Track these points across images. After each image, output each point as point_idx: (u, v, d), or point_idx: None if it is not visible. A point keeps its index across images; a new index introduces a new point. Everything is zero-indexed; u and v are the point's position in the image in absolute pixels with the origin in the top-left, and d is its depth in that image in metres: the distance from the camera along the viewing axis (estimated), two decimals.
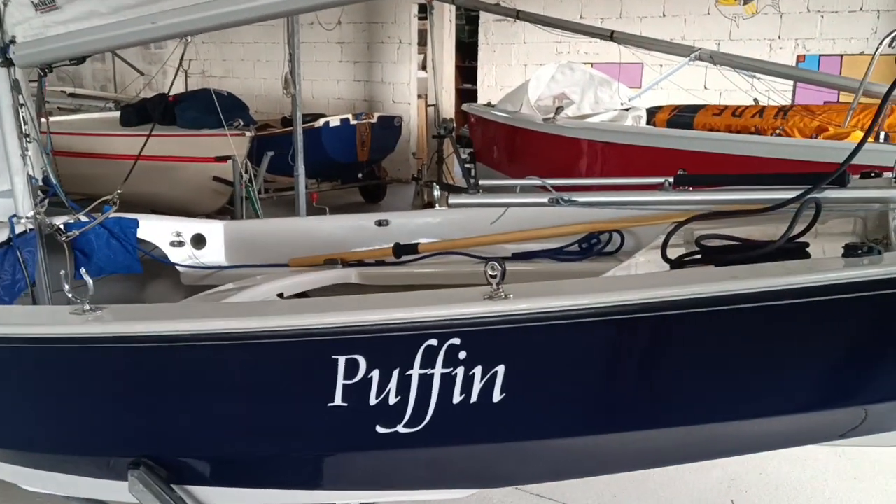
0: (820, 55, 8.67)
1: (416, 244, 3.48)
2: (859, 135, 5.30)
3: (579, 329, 1.61)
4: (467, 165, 9.27)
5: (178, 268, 3.81)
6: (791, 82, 6.66)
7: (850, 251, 1.56)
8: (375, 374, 1.75)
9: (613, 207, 2.40)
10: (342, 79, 13.26)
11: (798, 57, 8.85)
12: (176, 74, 4.57)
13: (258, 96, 13.78)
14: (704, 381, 1.62)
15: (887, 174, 2.81)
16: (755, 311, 1.52)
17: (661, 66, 7.84)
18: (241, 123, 7.10)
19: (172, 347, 1.85)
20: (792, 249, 1.97)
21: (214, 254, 3.92)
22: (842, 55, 8.52)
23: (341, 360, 1.76)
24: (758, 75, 6.13)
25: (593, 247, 3.29)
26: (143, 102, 7.86)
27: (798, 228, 2.02)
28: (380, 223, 3.74)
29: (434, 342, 1.70)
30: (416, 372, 1.73)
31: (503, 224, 3.29)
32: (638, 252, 2.41)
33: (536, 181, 2.48)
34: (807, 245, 2.02)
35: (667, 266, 2.05)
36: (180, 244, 3.83)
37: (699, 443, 1.72)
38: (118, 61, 13.12)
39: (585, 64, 9.98)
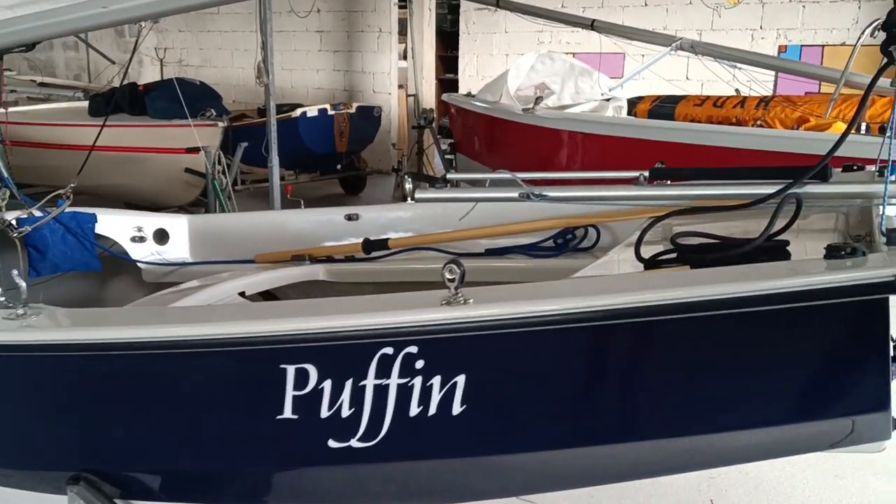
0: (801, 45, 8.60)
1: (386, 240, 3.35)
2: (841, 126, 5.22)
3: (543, 337, 1.50)
4: (448, 157, 9.14)
5: (139, 265, 3.67)
6: (773, 73, 6.58)
7: (833, 252, 1.46)
8: (327, 384, 1.63)
9: (586, 203, 2.29)
10: (321, 68, 13.07)
11: (779, 47, 8.78)
12: (129, 62, 4.38)
13: (236, 86, 13.56)
14: (676, 392, 1.51)
15: (870, 167, 2.71)
16: (730, 318, 1.41)
17: (644, 55, 7.73)
18: (213, 113, 6.93)
19: (111, 355, 1.72)
20: (771, 248, 1.87)
21: (178, 250, 3.77)
22: (823, 46, 8.46)
23: (290, 370, 1.64)
24: (739, 65, 6.04)
25: (568, 242, 3.18)
26: (112, 92, 7.65)
27: (779, 225, 1.92)
28: (350, 217, 3.61)
29: (389, 350, 1.58)
30: (370, 382, 1.61)
31: (477, 218, 3.18)
32: (612, 249, 2.30)
33: (506, 175, 2.37)
34: (787, 243, 1.92)
35: (641, 266, 1.94)
36: (141, 240, 3.68)
37: (677, 455, 1.62)
38: (92, 50, 12.86)
39: (567, 54, 9.87)
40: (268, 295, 3.32)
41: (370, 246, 3.39)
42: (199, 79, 13.09)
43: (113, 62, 9.90)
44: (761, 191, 2.06)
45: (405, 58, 12.23)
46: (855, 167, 2.69)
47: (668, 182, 2.20)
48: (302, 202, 6.36)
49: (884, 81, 2.35)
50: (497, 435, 1.59)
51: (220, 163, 7.09)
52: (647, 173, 2.19)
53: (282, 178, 10.11)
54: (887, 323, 1.36)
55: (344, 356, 1.63)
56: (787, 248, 1.92)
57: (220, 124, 6.92)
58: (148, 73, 13.65)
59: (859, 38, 5.51)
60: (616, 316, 1.43)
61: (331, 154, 9.59)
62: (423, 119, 9.51)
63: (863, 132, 5.03)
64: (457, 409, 1.58)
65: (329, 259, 3.55)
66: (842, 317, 1.39)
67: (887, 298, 1.34)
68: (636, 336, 1.47)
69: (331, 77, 12.96)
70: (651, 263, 1.92)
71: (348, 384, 1.62)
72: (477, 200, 2.50)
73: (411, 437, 1.62)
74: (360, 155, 10.55)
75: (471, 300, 1.54)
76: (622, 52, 8.55)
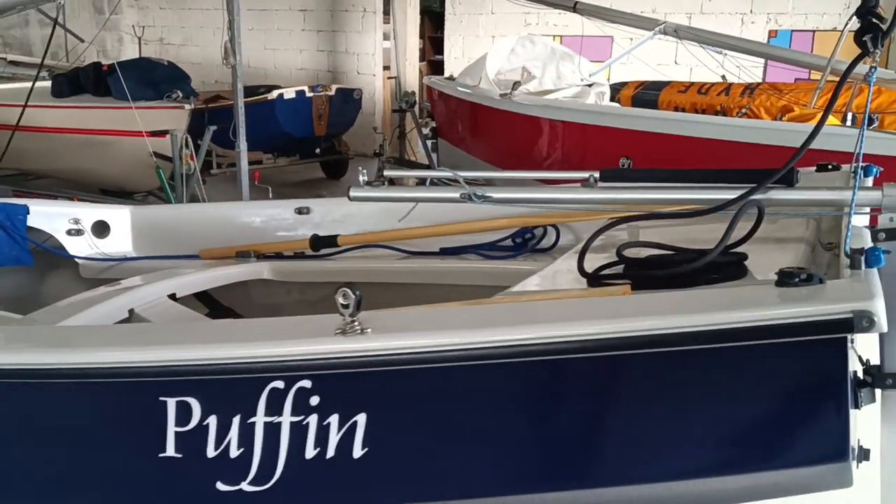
0: (792, 31, 8.37)
1: (336, 236, 3.14)
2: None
3: (451, 373, 1.29)
4: (429, 141, 8.90)
5: (76, 260, 3.45)
6: (762, 58, 6.35)
7: (785, 279, 1.25)
8: (212, 420, 1.43)
9: (531, 206, 2.09)
10: (305, 48, 12.77)
11: (770, 32, 8.54)
12: (94, 40, 4.14)
13: (218, 66, 13.21)
14: (597, 439, 1.31)
15: (846, 167, 2.50)
16: (661, 357, 1.21)
17: (632, 39, 7.49)
18: (180, 95, 6.67)
19: None
20: (726, 264, 1.66)
21: (119, 243, 3.55)
22: (814, 31, 8.22)
23: (171, 403, 1.44)
24: (724, 51, 5.81)
25: (527, 242, 2.97)
26: (76, 72, 7.37)
27: (742, 233, 1.71)
28: (300, 211, 3.39)
29: (280, 384, 1.38)
30: (259, 419, 1.41)
31: (433, 216, 2.97)
32: (562, 257, 2.09)
33: (447, 173, 2.15)
34: (745, 258, 1.71)
35: (584, 281, 1.74)
36: (79, 233, 3.45)
37: None
38: (69, 27, 12.50)
39: (554, 37, 9.62)
40: (205, 296, 3.11)
41: (319, 242, 3.18)
42: (181, 58, 12.78)
43: (82, 40, 9.58)
44: (722, 196, 1.86)
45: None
46: (830, 166, 2.48)
47: (620, 184, 1.99)
48: (270, 189, 6.13)
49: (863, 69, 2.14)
50: (402, 482, 1.40)
51: (188, 147, 6.86)
52: (597, 174, 1.98)
53: (259, 162, 9.91)
54: (845, 365, 1.16)
55: (229, 390, 1.42)
56: (746, 261, 1.72)
57: (187, 106, 6.66)
58: (128, 52, 13.33)
59: (846, 25, 5.29)
60: (533, 353, 1.23)
61: (309, 137, 9.35)
62: (405, 102, 9.26)
63: (847, 123, 4.82)
64: (357, 451, 1.38)
65: (277, 256, 3.34)
66: (792, 358, 1.19)
67: (845, 338, 1.14)
68: (556, 375, 1.27)
69: (314, 58, 12.66)
70: (594, 279, 1.72)
71: (236, 421, 1.42)
72: (415, 200, 2.29)
73: (308, 481, 1.42)
74: (340, 138, 10.30)
75: (369, 329, 1.34)
76: (609, 35, 8.31)
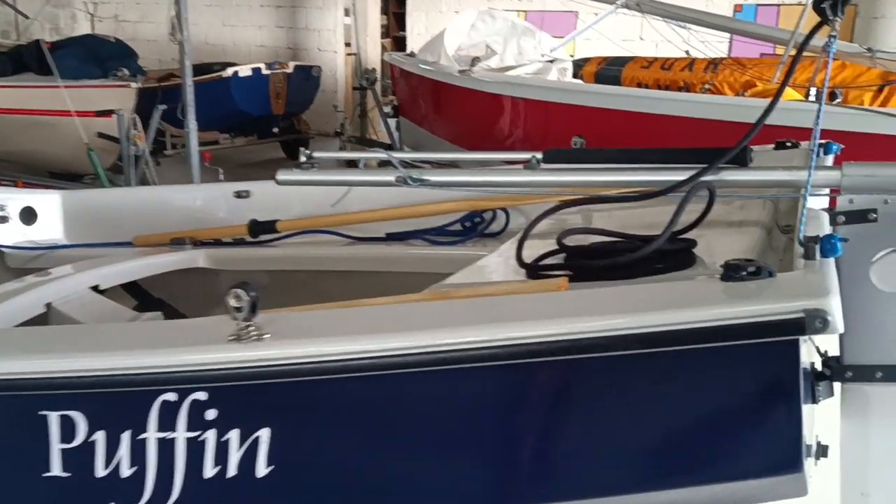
0: (757, 5, 8.27)
1: (275, 221, 2.96)
2: (789, 93, 4.91)
3: (360, 383, 1.15)
4: (391, 120, 8.69)
5: (1, 249, 3.23)
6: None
7: (731, 272, 1.12)
8: (99, 436, 1.27)
9: (471, 189, 1.95)
10: (264, 24, 12.43)
11: (735, 6, 8.43)
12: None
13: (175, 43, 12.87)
14: (521, 452, 1.17)
15: (806, 144, 2.39)
16: (595, 362, 1.07)
17: (596, 13, 7.33)
18: (126, 73, 6.39)
19: None
20: (672, 252, 1.53)
21: (49, 230, 3.34)
22: (779, 5, 8.12)
23: (52, 418, 1.27)
24: (689, 26, 5.68)
25: (476, 226, 2.83)
26: (18, 49, 7.04)
27: (694, 215, 1.58)
28: (240, 195, 3.20)
29: (171, 397, 1.22)
30: (152, 435, 1.25)
31: (379, 199, 2.81)
32: (503, 245, 1.95)
33: (381, 155, 2.00)
34: (693, 245, 1.58)
35: (523, 273, 1.60)
36: (3, 220, 3.23)
37: None
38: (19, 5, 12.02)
39: (518, 12, 9.42)
40: (135, 287, 2.92)
41: (257, 228, 3.00)
42: (138, 35, 12.35)
43: (26, 16, 9.20)
44: (671, 178, 1.72)
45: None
46: (789, 144, 2.36)
47: (564, 166, 1.85)
48: (221, 170, 5.90)
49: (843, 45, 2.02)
50: (310, 502, 1.25)
51: (136, 127, 6.59)
52: (540, 155, 1.83)
53: (215, 143, 9.64)
54: (796, 370, 1.03)
55: (116, 403, 1.26)
56: (696, 248, 1.59)
57: (134, 85, 6.39)
58: (82, 29, 12.89)
59: None
60: (447, 360, 1.09)
61: (267, 116, 9.10)
62: (365, 80, 9.02)
63: (811, 98, 4.73)
64: (261, 470, 1.23)
65: (216, 242, 3.15)
66: (739, 362, 1.06)
67: (797, 341, 1.01)
68: (475, 384, 1.13)
69: (273, 34, 12.33)
70: (533, 270, 1.58)
71: (126, 437, 1.26)
72: (347, 185, 2.13)
73: (208, 503, 1.27)
74: (300, 117, 10.06)
75: (267, 335, 1.18)
76: (574, 11, 8.15)
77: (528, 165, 1.84)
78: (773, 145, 2.35)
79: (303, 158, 2.54)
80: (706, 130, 4.35)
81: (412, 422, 1.15)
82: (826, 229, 1.49)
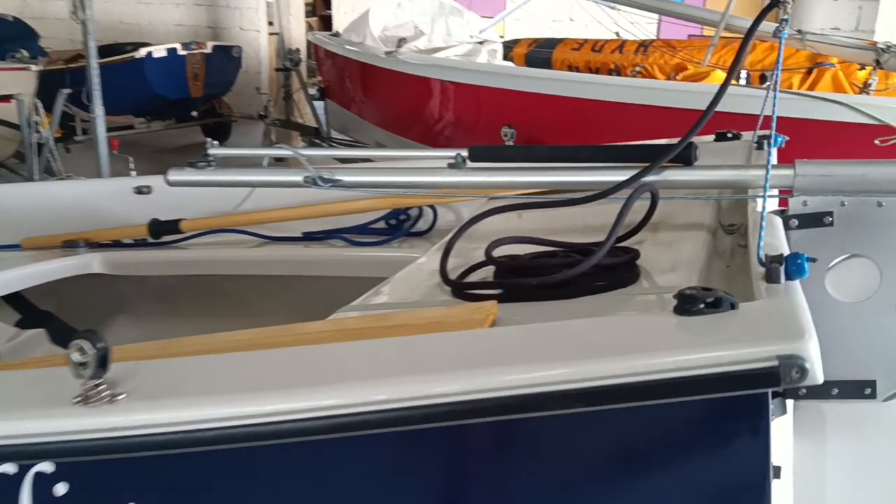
0: None
1: (178, 221, 2.68)
2: (719, 76, 4.84)
3: (235, 454, 0.92)
4: (316, 103, 8.36)
5: None
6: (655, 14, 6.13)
7: (686, 305, 0.94)
8: None
9: (387, 190, 1.73)
10: (182, 2, 11.82)
11: None
12: None
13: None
14: None
15: (748, 135, 2.25)
16: (522, 425, 0.87)
17: None
18: (26, 55, 5.90)
19: None
20: (614, 266, 1.35)
21: None
22: None
23: None
24: (617, 6, 5.56)
25: (402, 224, 2.61)
26: None
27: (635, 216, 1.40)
28: (140, 190, 2.90)
29: (11, 469, 0.98)
30: None
31: (295, 196, 2.56)
32: (426, 253, 1.74)
33: (287, 151, 1.77)
34: (636, 256, 1.41)
35: (447, 291, 1.40)
36: None
37: None
38: None
39: None
40: (19, 298, 2.61)
41: (159, 228, 2.71)
42: (47, 14, 11.58)
43: None
44: (610, 178, 1.55)
45: None
46: (730, 135, 2.22)
47: (492, 165, 1.66)
48: (130, 159, 5.51)
49: (766, 26, 1.87)
50: None
51: (38, 112, 6.11)
52: (465, 152, 1.64)
53: (131, 127, 9.13)
54: (767, 433, 0.86)
55: None
56: (637, 262, 1.41)
57: (34, 68, 5.90)
58: None
59: None
60: (339, 428, 0.87)
61: (185, 99, 8.64)
62: (289, 60, 8.65)
63: (742, 82, 4.66)
64: None
65: (114, 244, 2.85)
66: (698, 420, 0.88)
67: (767, 395, 0.83)
68: (380, 453, 0.91)
69: (192, 12, 11.74)
70: (459, 289, 1.38)
71: None
72: (247, 185, 1.89)
73: None
74: (221, 100, 9.61)
75: (121, 395, 0.94)
76: None
77: (452, 164, 1.64)
78: (713, 136, 2.21)
79: (212, 150, 2.26)
80: (639, 116, 4.23)
81: (291, 497, 0.94)
82: (781, 237, 1.34)
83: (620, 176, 1.55)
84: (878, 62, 4.48)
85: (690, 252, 1.51)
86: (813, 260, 1.04)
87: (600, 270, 1.33)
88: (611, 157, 1.58)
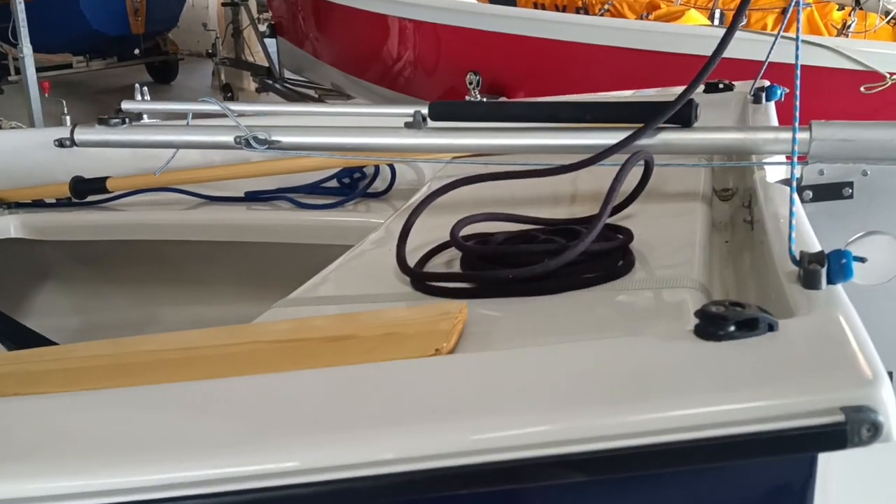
0: None
1: (105, 179, 2.39)
2: (693, 17, 4.59)
3: None
4: (268, 40, 7.89)
5: None
6: None
7: (711, 327, 0.72)
8: None
9: (332, 154, 1.49)
10: None
11: None
12: None
13: None
14: None
15: (741, 85, 2.03)
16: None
17: None
18: None
19: None
20: (606, 254, 1.14)
21: None
22: None
23: None
24: None
25: (356, 182, 2.36)
26: None
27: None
28: (62, 143, 2.58)
29: None
30: None
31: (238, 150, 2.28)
32: (384, 224, 1.50)
33: (214, 106, 1.50)
34: (629, 239, 1.19)
35: (406, 281, 1.17)
36: None
37: None
38: None
39: None
40: None
41: (82, 187, 2.42)
42: None
43: None
44: (595, 141, 1.32)
45: None
46: (721, 85, 2.00)
47: (456, 124, 1.41)
48: (64, 103, 5.07)
49: None
50: None
51: None
52: (425, 110, 1.39)
53: (69, 67, 8.58)
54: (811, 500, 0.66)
55: None
56: (631, 245, 1.20)
57: None
58: None
59: None
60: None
61: (126, 36, 8.11)
62: None
63: (715, 22, 4.42)
64: None
65: (35, 204, 2.55)
66: (734, 486, 0.67)
67: (816, 457, 0.63)
68: None
69: None
70: (420, 280, 1.15)
71: None
72: (168, 146, 1.62)
73: None
74: (166, 37, 9.07)
75: None
76: None
77: (410, 123, 1.39)
78: (701, 88, 1.98)
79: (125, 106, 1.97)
80: (611, 59, 3.97)
81: None
82: (801, 216, 1.13)
83: (609, 138, 1.33)
84: (857, 1, 4.27)
85: (687, 228, 1.30)
86: (862, 259, 0.83)
87: (589, 258, 1.12)
88: (598, 116, 1.35)
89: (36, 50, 6.75)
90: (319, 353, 0.90)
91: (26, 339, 2.26)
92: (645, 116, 1.31)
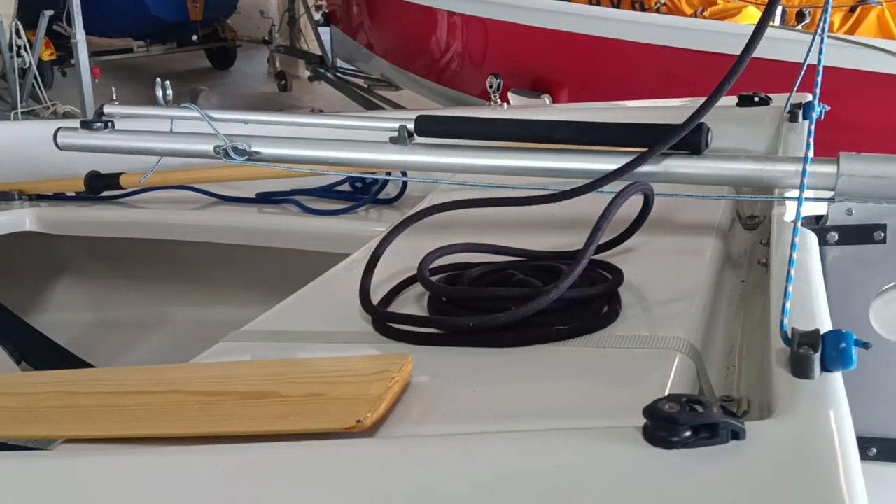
0: None
1: (118, 175, 2.35)
2: (751, 15, 4.33)
3: None
4: (321, 29, 7.87)
5: None
6: None
7: (662, 431, 0.57)
8: None
9: (307, 169, 1.39)
10: None
11: None
12: None
13: None
14: None
15: (778, 98, 1.84)
16: None
17: None
18: None
19: None
20: (587, 302, 1.00)
21: None
22: None
23: None
24: None
25: (369, 187, 2.26)
26: None
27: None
28: (87, 124, 2.54)
29: None
30: None
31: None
32: (357, 252, 1.39)
33: (193, 113, 1.42)
34: (618, 281, 1.06)
35: (369, 321, 1.07)
36: None
37: None
38: None
39: None
40: None
41: (97, 182, 2.38)
42: None
43: None
44: (589, 166, 1.18)
45: None
46: (757, 98, 1.81)
47: (442, 141, 1.29)
48: (113, 89, 5.12)
49: None
50: None
51: (19, 35, 5.75)
52: (411, 124, 1.27)
53: (130, 51, 8.73)
54: None
55: None
56: (621, 286, 1.06)
57: None
58: None
59: None
60: None
61: (184, 22, 8.19)
62: None
63: (776, 22, 4.15)
64: None
65: (55, 197, 2.54)
66: None
67: None
68: None
69: None
70: (381, 320, 1.05)
71: None
72: (149, 153, 1.55)
73: None
74: (224, 23, 9.14)
75: None
76: None
77: (395, 139, 1.28)
78: (735, 101, 1.81)
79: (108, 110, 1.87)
80: (663, 59, 3.77)
81: None
82: (814, 268, 0.98)
83: (609, 163, 1.19)
84: None
85: (692, 269, 1.16)
86: (866, 345, 0.69)
87: (566, 305, 0.99)
88: (596, 138, 1.21)
89: (98, 34, 6.88)
90: (233, 414, 0.81)
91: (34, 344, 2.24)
92: (649, 140, 1.17)
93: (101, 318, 2.62)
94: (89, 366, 2.27)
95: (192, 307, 2.53)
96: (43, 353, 2.16)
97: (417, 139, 1.30)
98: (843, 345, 0.68)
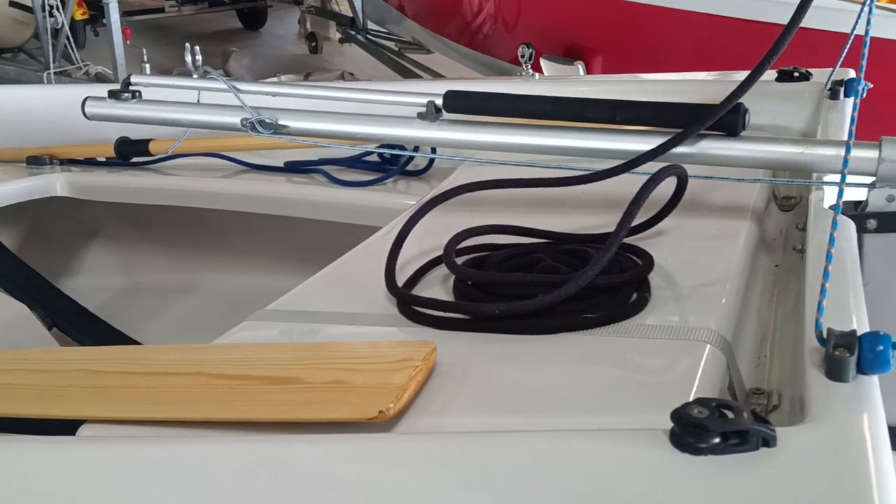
0: None
1: (148, 141, 2.35)
2: None
3: None
4: None
5: None
6: None
7: (690, 437, 0.56)
8: None
9: (335, 143, 1.37)
10: None
11: None
12: None
13: None
14: None
15: (819, 73, 1.77)
16: None
17: None
18: None
19: None
20: (615, 289, 0.98)
21: None
22: None
23: None
24: None
25: (397, 158, 2.24)
26: None
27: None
28: (114, 94, 2.55)
29: None
30: None
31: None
32: (382, 229, 1.38)
33: (220, 84, 1.41)
34: (648, 267, 1.03)
35: (394, 303, 1.06)
36: None
37: None
38: None
39: None
40: None
41: (127, 148, 2.39)
42: None
43: None
44: (621, 146, 1.15)
45: None
46: (797, 73, 1.75)
47: (470, 118, 1.27)
48: (144, 51, 5.13)
49: None
50: None
51: None
52: (439, 99, 1.25)
53: (161, 11, 8.73)
54: None
55: None
56: (651, 272, 1.04)
57: None
58: None
59: None
60: None
61: None
62: None
63: None
64: None
65: (85, 161, 2.55)
66: None
67: None
68: None
69: None
70: (406, 303, 1.04)
71: None
72: (175, 125, 1.54)
73: None
74: None
75: None
76: None
77: (422, 114, 1.26)
78: (773, 76, 1.75)
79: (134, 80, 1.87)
80: (700, 27, 3.66)
81: None
82: (852, 257, 0.95)
83: (642, 144, 1.16)
84: None
85: (725, 255, 1.13)
86: None
87: (594, 292, 0.97)
88: (630, 117, 1.18)
89: None
90: (255, 399, 0.80)
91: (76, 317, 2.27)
92: (684, 121, 1.13)
93: (131, 284, 2.65)
94: (118, 332, 2.31)
95: (220, 274, 2.54)
96: (73, 320, 2.19)
97: (445, 115, 1.27)
98: (881, 347, 0.66)
